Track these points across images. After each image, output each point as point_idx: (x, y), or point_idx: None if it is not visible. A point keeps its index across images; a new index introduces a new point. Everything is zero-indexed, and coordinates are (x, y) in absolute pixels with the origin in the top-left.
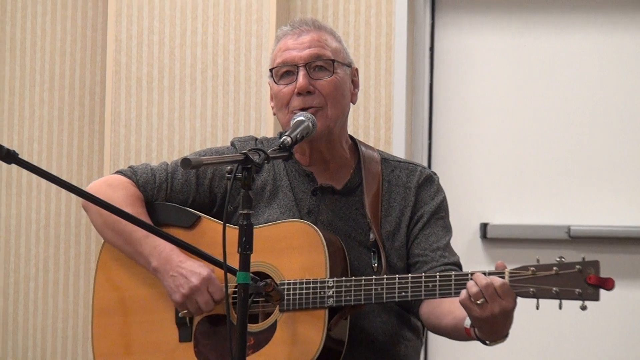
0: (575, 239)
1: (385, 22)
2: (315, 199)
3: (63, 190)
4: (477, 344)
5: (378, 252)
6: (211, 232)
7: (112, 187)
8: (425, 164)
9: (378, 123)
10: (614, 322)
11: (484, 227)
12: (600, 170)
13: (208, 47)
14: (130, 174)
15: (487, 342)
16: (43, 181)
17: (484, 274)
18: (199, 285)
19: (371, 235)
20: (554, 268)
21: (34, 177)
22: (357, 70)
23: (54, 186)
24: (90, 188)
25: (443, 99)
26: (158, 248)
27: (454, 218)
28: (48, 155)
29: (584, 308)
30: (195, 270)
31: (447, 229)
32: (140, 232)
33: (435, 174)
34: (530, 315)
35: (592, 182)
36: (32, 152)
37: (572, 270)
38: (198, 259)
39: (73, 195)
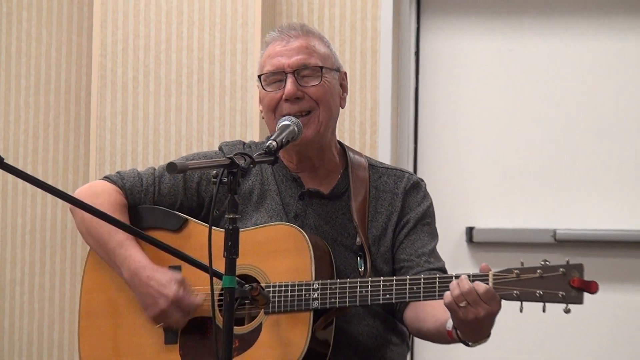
0: (561, 242)
1: (370, 26)
2: (302, 203)
3: (49, 195)
4: (463, 348)
5: (364, 256)
6: (198, 235)
7: (96, 195)
8: (410, 168)
9: (364, 127)
10: (598, 325)
11: (469, 230)
12: (586, 174)
13: (194, 51)
14: (117, 179)
15: (470, 343)
16: (29, 186)
17: (469, 276)
18: (166, 309)
19: (357, 240)
20: (538, 271)
21: (20, 181)
22: (345, 74)
23: (39, 191)
24: (76, 195)
25: (429, 103)
26: (128, 260)
27: (439, 222)
28: (34, 160)
29: (567, 311)
30: (162, 291)
31: (433, 235)
32: (113, 243)
33: (422, 180)
34: (514, 317)
35: (578, 186)
36: (17, 156)
37: (556, 273)
38: (166, 270)
39: (59, 200)
